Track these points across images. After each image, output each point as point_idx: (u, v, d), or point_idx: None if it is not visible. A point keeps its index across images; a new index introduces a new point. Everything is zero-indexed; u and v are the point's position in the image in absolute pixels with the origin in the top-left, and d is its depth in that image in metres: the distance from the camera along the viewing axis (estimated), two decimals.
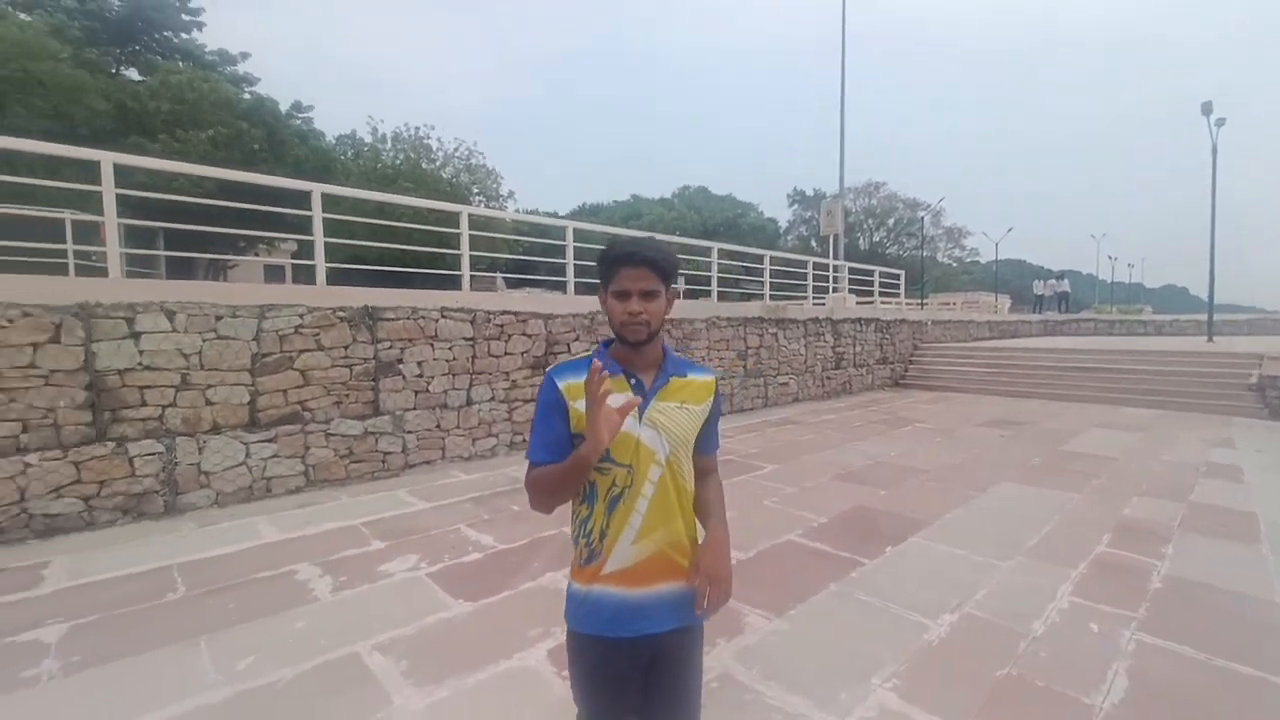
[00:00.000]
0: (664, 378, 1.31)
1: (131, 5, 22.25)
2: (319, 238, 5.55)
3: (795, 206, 56.88)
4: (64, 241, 7.78)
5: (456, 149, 31.31)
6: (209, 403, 4.38)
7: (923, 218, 38.40)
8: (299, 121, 25.21)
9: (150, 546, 3.55)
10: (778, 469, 5.66)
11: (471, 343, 5.95)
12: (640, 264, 1.23)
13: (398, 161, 30.56)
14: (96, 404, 3.93)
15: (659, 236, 9.28)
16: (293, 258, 24.85)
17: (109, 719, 2.02)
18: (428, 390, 5.59)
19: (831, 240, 15.39)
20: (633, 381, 1.28)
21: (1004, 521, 4.23)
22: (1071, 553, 3.66)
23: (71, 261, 7.66)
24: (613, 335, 1.31)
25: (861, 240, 53.98)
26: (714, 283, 9.55)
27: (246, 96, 22.64)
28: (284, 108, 23.82)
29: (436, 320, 5.68)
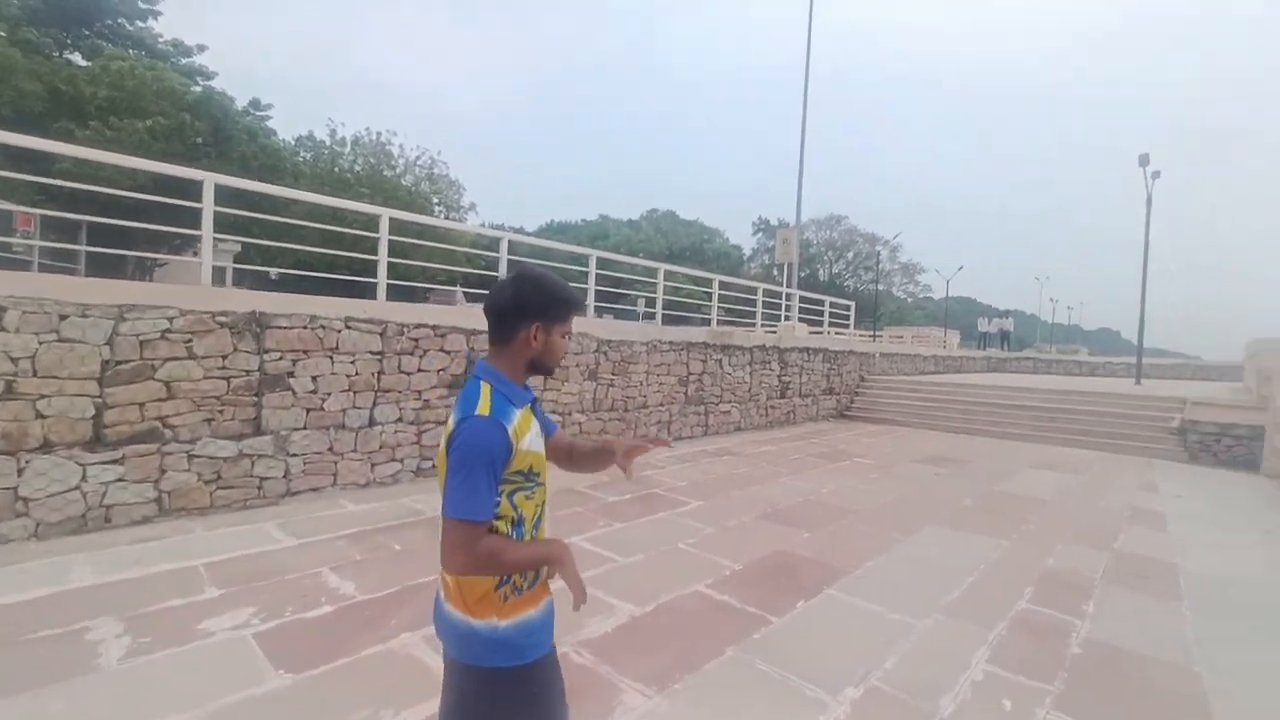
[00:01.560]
0: (535, 398, 1.35)
1: None
2: (207, 232, 5.01)
3: (759, 235, 57.92)
4: None
5: (418, 157, 30.76)
6: (40, 416, 3.77)
7: (879, 252, 39.46)
8: (251, 119, 24.18)
9: None
10: (702, 506, 5.32)
11: (379, 357, 5.46)
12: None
13: (356, 167, 29.78)
14: None
15: (611, 256, 9.04)
16: (236, 260, 23.54)
17: None
18: (322, 408, 5.06)
19: (785, 268, 15.42)
20: (532, 406, 1.32)
21: (926, 571, 3.97)
22: (992, 609, 3.40)
23: None
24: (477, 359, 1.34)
25: (822, 271, 55.19)
26: (659, 305, 9.28)
27: (197, 89, 21.63)
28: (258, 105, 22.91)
29: (339, 331, 5.18)
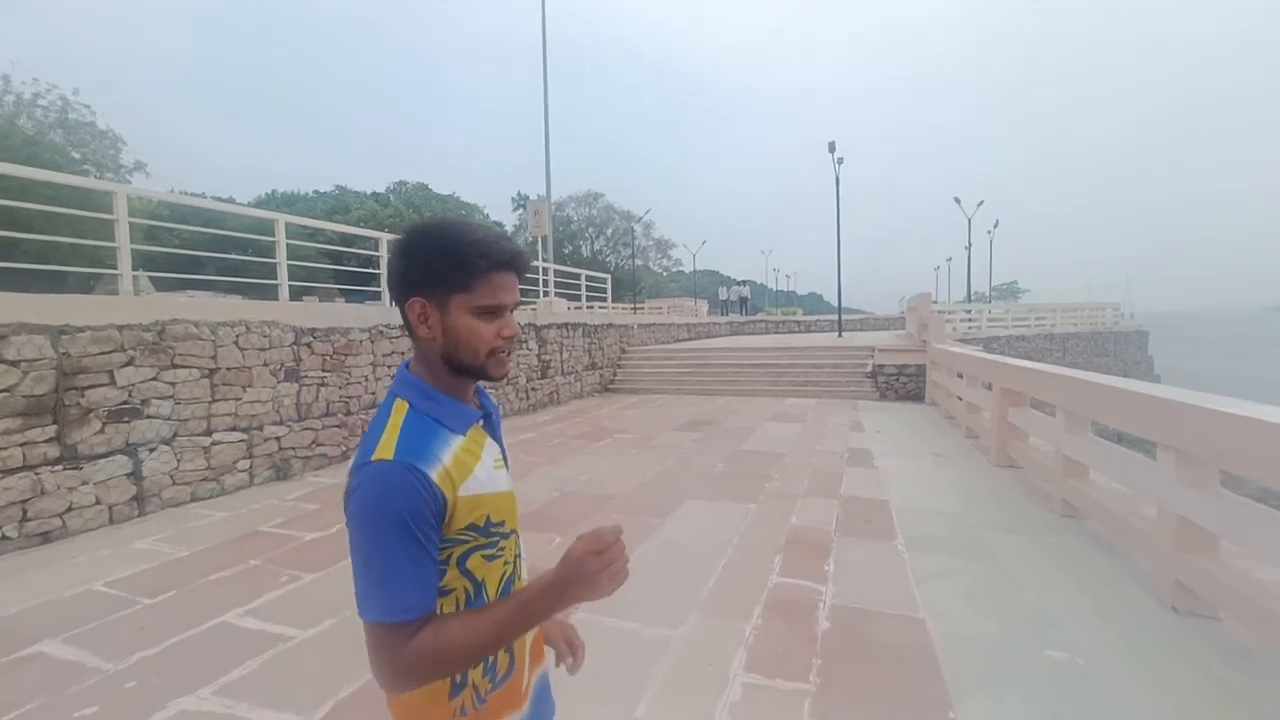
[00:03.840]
0: (494, 408, 0.93)
1: None
2: None
3: (520, 211, 56.66)
4: None
5: (38, 95, 22.65)
6: None
7: (634, 228, 41.48)
8: None
9: None
10: None
11: None
12: (521, 269, 0.84)
13: None
14: None
15: (304, 221, 7.08)
16: None
17: None
18: None
19: (540, 242, 14.77)
20: (483, 424, 0.88)
21: (683, 559, 3.64)
22: (746, 595, 3.15)
23: None
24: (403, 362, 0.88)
25: (585, 248, 56.36)
26: (382, 283, 7.79)
27: None
28: None
29: None
